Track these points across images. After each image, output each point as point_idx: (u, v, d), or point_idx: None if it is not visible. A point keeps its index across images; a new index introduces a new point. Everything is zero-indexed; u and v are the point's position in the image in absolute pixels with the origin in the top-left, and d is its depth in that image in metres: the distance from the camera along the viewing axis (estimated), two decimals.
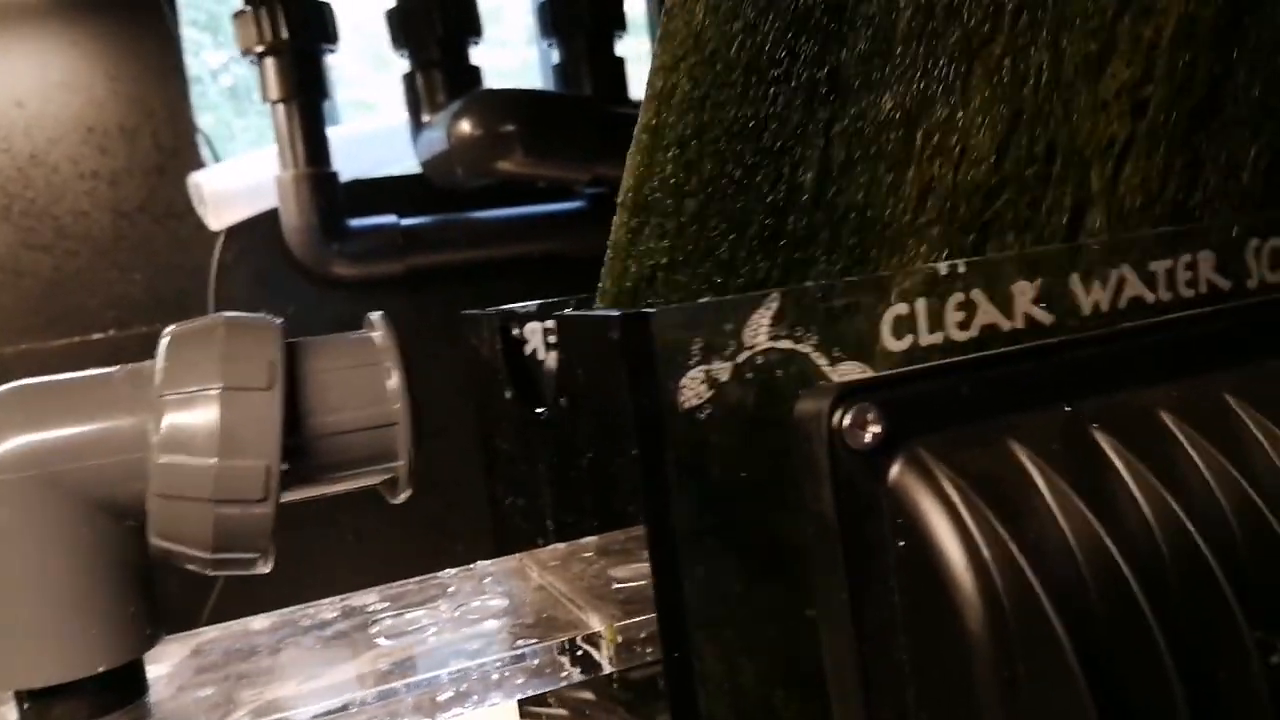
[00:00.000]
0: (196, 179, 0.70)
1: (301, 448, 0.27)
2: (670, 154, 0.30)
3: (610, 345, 0.26)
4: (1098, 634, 0.23)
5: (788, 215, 0.30)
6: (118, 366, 0.28)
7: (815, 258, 0.31)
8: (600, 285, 0.33)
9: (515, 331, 0.36)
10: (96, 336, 0.70)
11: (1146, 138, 0.32)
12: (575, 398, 0.30)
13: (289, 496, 0.28)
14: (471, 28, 0.73)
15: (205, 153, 0.74)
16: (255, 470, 0.26)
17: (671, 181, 0.31)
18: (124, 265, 0.72)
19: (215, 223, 0.70)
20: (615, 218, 0.32)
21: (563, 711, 0.42)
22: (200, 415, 0.26)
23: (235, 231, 0.72)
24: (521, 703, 0.45)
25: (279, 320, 0.29)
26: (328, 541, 0.72)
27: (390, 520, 0.71)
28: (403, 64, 0.75)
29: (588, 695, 0.38)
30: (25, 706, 0.26)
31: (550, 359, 0.37)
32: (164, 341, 0.28)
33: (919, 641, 0.24)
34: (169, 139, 0.73)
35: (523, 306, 0.38)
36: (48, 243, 0.70)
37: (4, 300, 0.70)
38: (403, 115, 0.76)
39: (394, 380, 0.29)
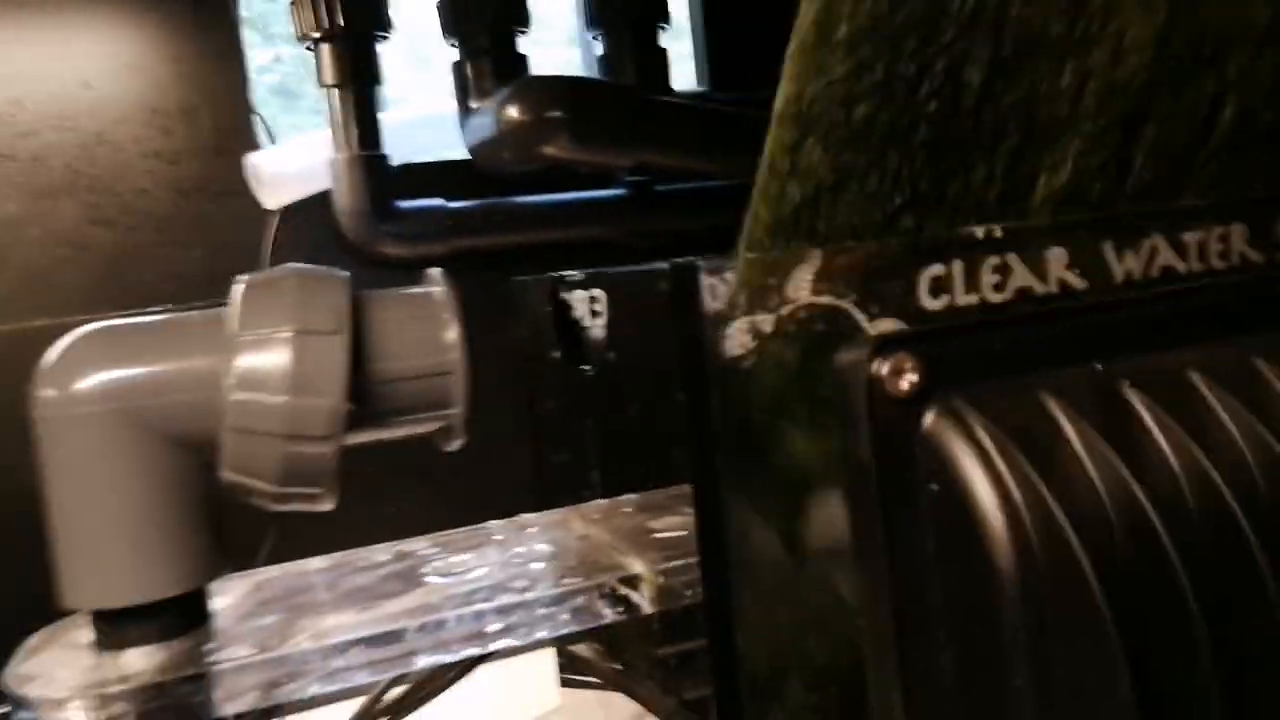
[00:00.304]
0: (253, 159, 0.72)
1: (365, 391, 0.29)
2: (840, 52, 0.27)
3: (660, 297, 0.27)
4: (1125, 578, 0.24)
5: (950, 119, 0.28)
6: (194, 311, 0.30)
7: (974, 164, 0.30)
8: (752, 213, 0.29)
9: (564, 296, 0.38)
10: (155, 309, 0.73)
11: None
12: (625, 351, 0.31)
13: (352, 438, 0.29)
14: (520, 18, 0.75)
15: (262, 136, 0.77)
16: (323, 409, 0.27)
17: (842, 85, 0.27)
18: (182, 242, 0.74)
19: (270, 202, 0.72)
20: (770, 135, 0.29)
21: (599, 680, 0.43)
22: (273, 356, 0.27)
23: (289, 211, 0.74)
24: (562, 669, 0.47)
25: (346, 274, 0.31)
26: (370, 515, 0.74)
27: (430, 497, 0.73)
28: (443, 63, 0.77)
29: (621, 666, 0.39)
30: (100, 627, 0.28)
31: (595, 325, 0.38)
32: (238, 289, 0.29)
33: (950, 582, 0.25)
34: (227, 120, 0.75)
35: (571, 274, 0.39)
36: (110, 218, 0.73)
37: (69, 273, 0.72)
38: (450, 103, 0.78)
39: (451, 332, 0.30)
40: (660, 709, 0.38)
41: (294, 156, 0.73)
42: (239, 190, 0.74)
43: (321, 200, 0.73)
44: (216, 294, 0.84)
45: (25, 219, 0.70)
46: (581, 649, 0.44)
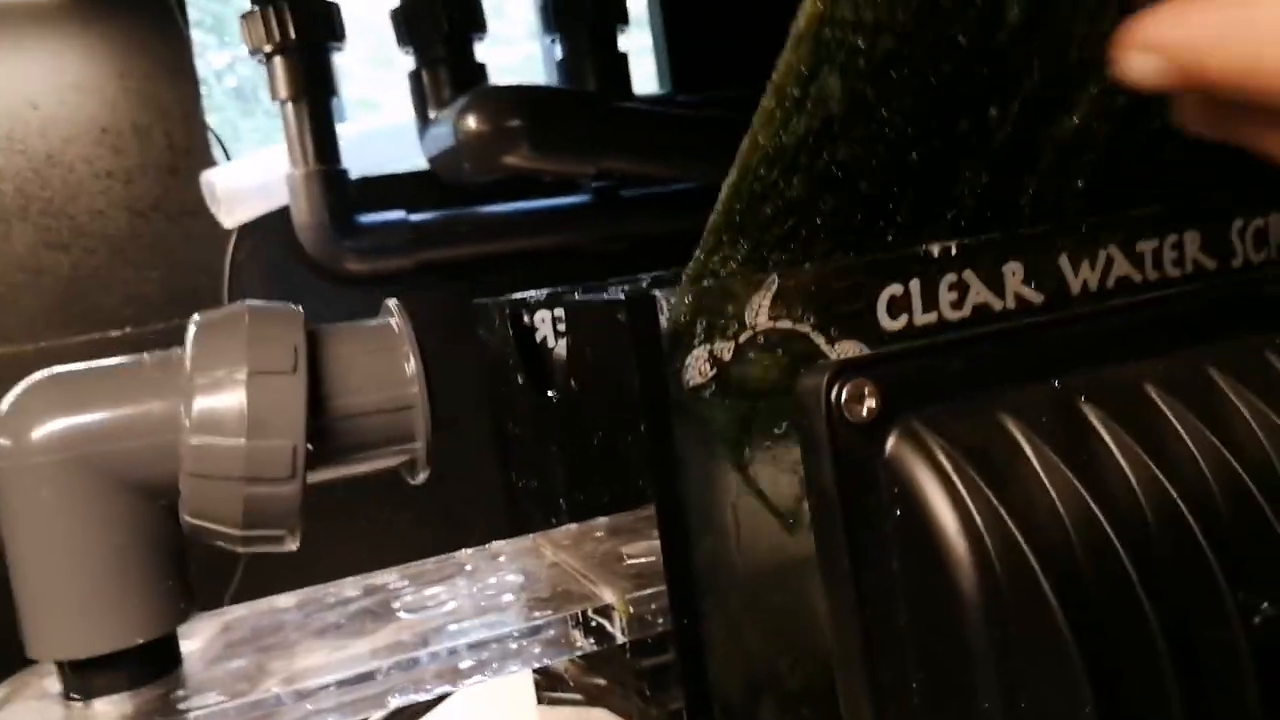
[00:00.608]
0: (209, 177, 0.71)
1: (325, 429, 0.29)
2: None
3: (617, 326, 0.27)
4: (1086, 595, 0.24)
5: (982, 58, 0.26)
6: (146, 354, 0.29)
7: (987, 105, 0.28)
8: (746, 147, 0.27)
9: (526, 319, 0.37)
10: (114, 333, 0.72)
11: None
12: (585, 380, 0.31)
13: (315, 477, 0.29)
14: (476, 24, 0.74)
15: (217, 151, 0.76)
16: (283, 450, 0.27)
17: (864, 11, 0.25)
18: (140, 263, 0.73)
19: (228, 220, 0.71)
20: (782, 59, 0.26)
21: (578, 696, 0.43)
22: (229, 398, 0.27)
23: (248, 229, 0.73)
24: (539, 686, 0.47)
25: (299, 308, 0.30)
26: (342, 536, 0.74)
27: (403, 513, 0.73)
28: (405, 61, 0.76)
29: (601, 681, 0.39)
30: (67, 676, 0.28)
31: (559, 346, 0.38)
32: (191, 329, 0.29)
33: (916, 605, 0.25)
34: (181, 138, 0.74)
35: (533, 295, 0.39)
36: (65, 241, 0.72)
37: (24, 298, 0.71)
38: (408, 112, 0.77)
39: (411, 364, 0.30)
40: None
41: (250, 173, 0.72)
42: (196, 209, 0.74)
43: (281, 216, 0.72)
44: (176, 315, 0.83)
45: None
46: (559, 665, 0.44)
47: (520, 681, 0.49)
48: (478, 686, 0.42)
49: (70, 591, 0.27)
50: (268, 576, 0.43)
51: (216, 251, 0.74)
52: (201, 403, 0.27)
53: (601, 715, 0.40)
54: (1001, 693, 0.24)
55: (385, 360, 0.30)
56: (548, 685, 0.45)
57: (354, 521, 0.72)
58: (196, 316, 0.29)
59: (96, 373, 0.28)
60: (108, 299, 0.72)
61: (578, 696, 0.44)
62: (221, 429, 0.27)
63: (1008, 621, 0.24)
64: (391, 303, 0.31)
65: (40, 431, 0.27)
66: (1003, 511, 0.24)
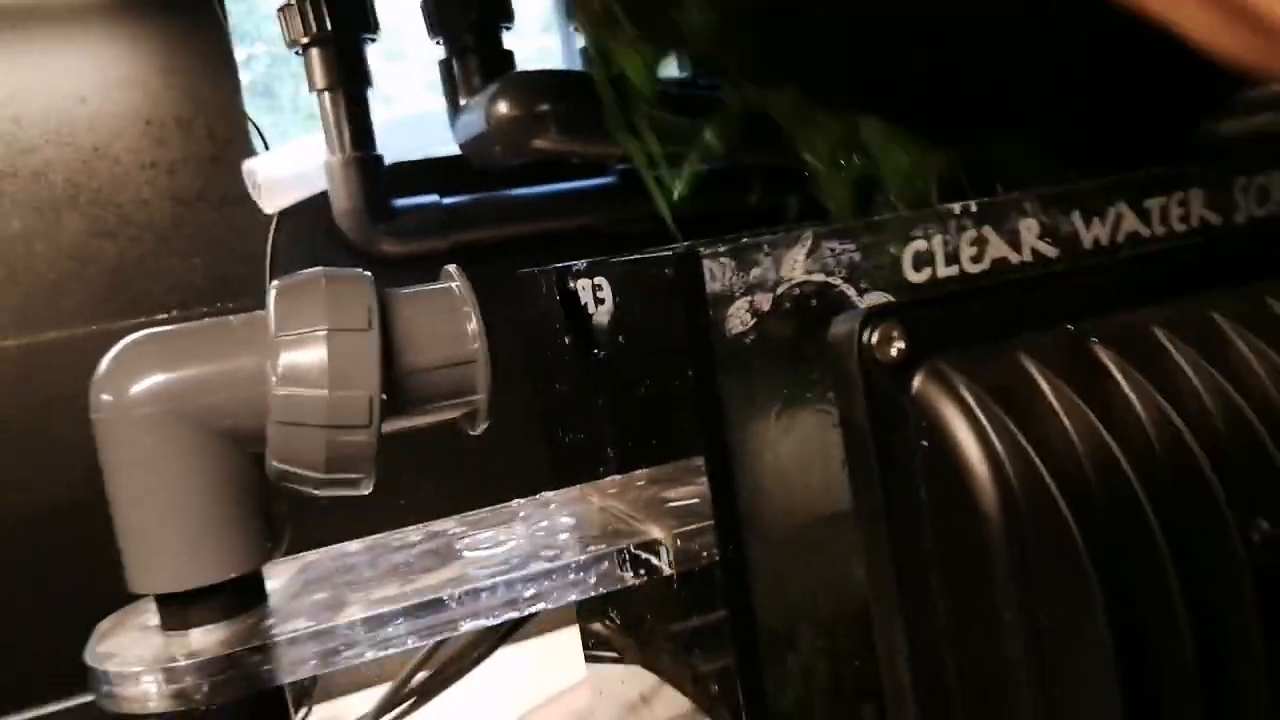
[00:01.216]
0: (250, 165, 0.74)
1: (396, 383, 0.31)
2: None
3: (665, 282, 0.30)
4: (1098, 516, 0.27)
5: None
6: (231, 316, 0.32)
7: None
8: None
9: (571, 285, 0.40)
10: (161, 318, 0.74)
11: None
12: (633, 335, 0.34)
13: (388, 427, 0.31)
14: (503, 14, 0.77)
15: (255, 142, 0.78)
16: (361, 399, 0.30)
17: None
18: (184, 250, 0.76)
19: (269, 207, 0.74)
20: None
21: (617, 655, 0.46)
22: (312, 353, 0.29)
23: (286, 215, 0.76)
24: (586, 646, 0.49)
25: (369, 274, 0.33)
26: (387, 504, 0.77)
27: (446, 484, 0.75)
28: (416, 56, 0.78)
29: (640, 641, 0.42)
30: (166, 610, 0.30)
31: (599, 311, 0.41)
32: (272, 293, 0.32)
33: (942, 530, 0.28)
34: (222, 130, 0.77)
35: (576, 264, 0.41)
36: (113, 230, 0.75)
37: (75, 285, 0.74)
38: (422, 104, 0.79)
39: (473, 324, 0.32)
40: (677, 678, 0.40)
41: (289, 161, 0.75)
42: (237, 197, 0.76)
43: (318, 202, 0.75)
44: (221, 299, 0.85)
45: (30, 234, 0.72)
46: (600, 628, 0.46)
47: (568, 642, 0.52)
48: (531, 646, 0.44)
49: (168, 531, 0.30)
50: (327, 538, 0.45)
51: (257, 238, 0.77)
52: (287, 357, 0.30)
53: (640, 672, 0.43)
54: (1021, 607, 0.27)
55: (449, 320, 0.32)
56: (591, 646, 0.48)
57: (400, 488, 0.75)
58: (276, 282, 0.32)
59: (189, 332, 0.31)
60: (154, 285, 0.75)
61: (618, 655, 0.46)
62: (306, 380, 0.29)
63: (1026, 542, 0.26)
64: (452, 268, 0.34)
65: (139, 387, 0.30)
66: (1022, 440, 0.27)
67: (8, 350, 0.71)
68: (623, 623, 0.43)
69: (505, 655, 0.56)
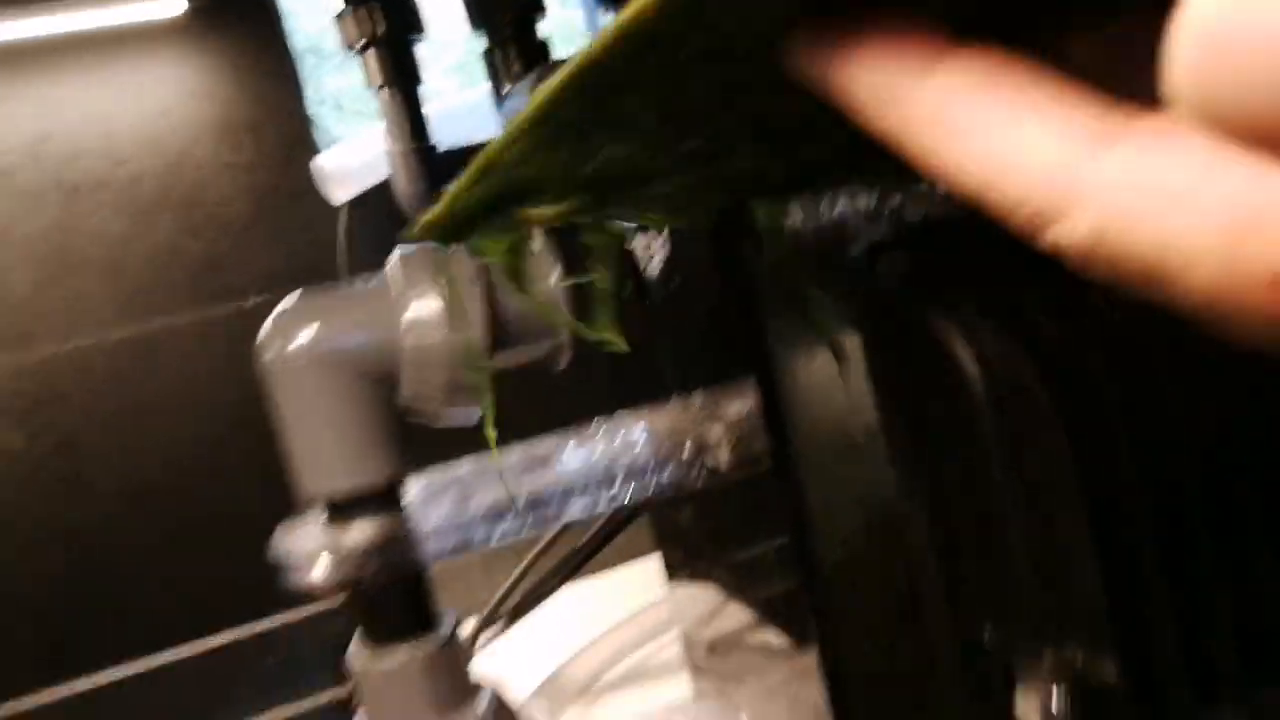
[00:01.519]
0: (319, 160, 0.81)
1: (499, 326, 0.39)
2: None
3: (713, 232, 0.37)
4: (1065, 386, 0.34)
5: None
6: (360, 280, 0.40)
7: None
8: None
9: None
10: (251, 302, 0.83)
11: None
12: (686, 277, 0.41)
13: (495, 363, 0.39)
14: (537, 4, 0.84)
15: (319, 140, 0.86)
16: (474, 341, 0.37)
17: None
18: (265, 241, 0.84)
19: (339, 196, 0.81)
20: None
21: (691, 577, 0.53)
22: (433, 304, 0.37)
23: (354, 204, 0.84)
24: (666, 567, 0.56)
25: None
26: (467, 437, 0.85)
27: (538, 411, 0.83)
28: (432, 53, 0.86)
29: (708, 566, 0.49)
30: (329, 513, 0.38)
31: (651, 264, 0.48)
32: (393, 260, 0.39)
33: (944, 413, 0.35)
34: (289, 131, 0.85)
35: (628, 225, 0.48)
36: (201, 227, 0.83)
37: (171, 277, 0.82)
38: (447, 97, 0.86)
39: (554, 276, 0.40)
40: (743, 597, 0.48)
41: (353, 154, 0.82)
42: (308, 190, 0.84)
43: (381, 190, 0.83)
44: (300, 282, 0.94)
45: (130, 236, 0.81)
46: (678, 554, 0.54)
47: (651, 567, 0.59)
48: (616, 572, 0.51)
49: (329, 450, 0.38)
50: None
51: (329, 226, 0.85)
52: (413, 309, 0.37)
53: (711, 591, 0.50)
54: (1008, 468, 0.34)
55: None
56: (671, 570, 0.55)
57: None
58: (396, 251, 0.39)
59: (332, 294, 0.39)
60: (240, 274, 0.83)
61: (690, 576, 0.54)
62: (427, 328, 0.37)
63: (1009, 412, 0.34)
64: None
65: (299, 341, 0.37)
66: (1004, 337, 0.34)
67: (122, 341, 0.80)
68: (696, 545, 0.50)
69: (589, 585, 0.63)
